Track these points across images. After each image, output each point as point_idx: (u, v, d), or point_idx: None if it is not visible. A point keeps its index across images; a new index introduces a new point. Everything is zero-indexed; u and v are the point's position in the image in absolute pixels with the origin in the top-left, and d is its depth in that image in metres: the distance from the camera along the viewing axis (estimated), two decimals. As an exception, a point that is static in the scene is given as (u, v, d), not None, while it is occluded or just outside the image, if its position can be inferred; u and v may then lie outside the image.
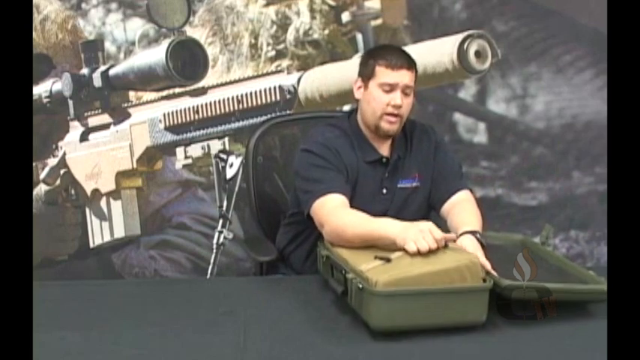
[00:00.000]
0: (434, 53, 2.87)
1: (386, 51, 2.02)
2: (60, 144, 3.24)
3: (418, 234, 1.67)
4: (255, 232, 2.35)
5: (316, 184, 1.95)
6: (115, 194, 3.18)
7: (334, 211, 1.89)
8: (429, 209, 2.11)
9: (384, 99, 1.96)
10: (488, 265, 1.69)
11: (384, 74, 1.96)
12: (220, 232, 3.06)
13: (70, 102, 3.16)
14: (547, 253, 1.85)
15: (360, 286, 1.54)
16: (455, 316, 1.55)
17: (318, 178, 1.96)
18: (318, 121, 2.27)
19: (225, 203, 3.05)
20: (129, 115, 3.17)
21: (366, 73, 2.00)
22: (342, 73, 2.98)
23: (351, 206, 1.92)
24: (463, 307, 1.55)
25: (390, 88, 1.96)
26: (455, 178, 2.10)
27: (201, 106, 3.05)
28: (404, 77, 1.96)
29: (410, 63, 1.99)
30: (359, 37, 3.15)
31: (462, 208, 2.01)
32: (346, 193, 1.94)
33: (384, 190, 2.04)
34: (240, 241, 3.03)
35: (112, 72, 3.11)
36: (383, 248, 1.71)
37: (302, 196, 2.00)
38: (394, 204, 2.04)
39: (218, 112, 3.03)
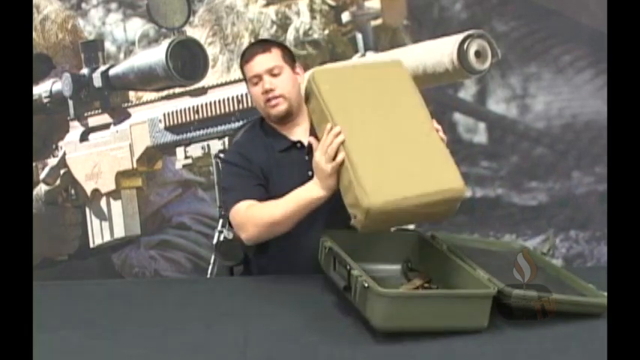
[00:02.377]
0: (434, 53, 2.88)
1: (245, 49, 2.12)
2: (60, 144, 3.25)
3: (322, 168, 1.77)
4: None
5: (229, 192, 2.02)
6: (115, 194, 3.19)
7: (250, 211, 1.93)
8: None
9: (258, 91, 2.03)
10: None
11: (247, 70, 2.05)
12: (220, 232, 3.06)
13: (70, 102, 3.16)
14: (547, 264, 1.85)
15: (366, 284, 1.54)
16: (458, 321, 1.54)
17: (231, 187, 2.03)
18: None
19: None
20: (129, 115, 3.17)
21: (245, 79, 2.09)
22: (342, 73, 2.98)
23: (280, 195, 1.93)
24: (467, 313, 1.54)
25: (257, 78, 2.02)
26: None
27: (201, 106, 3.05)
28: (261, 63, 2.02)
29: (264, 46, 2.05)
30: (359, 37, 3.15)
31: None
32: (258, 197, 1.96)
33: (310, 173, 1.95)
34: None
35: (112, 72, 3.11)
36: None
37: (224, 199, 2.10)
38: None
39: (218, 112, 3.03)
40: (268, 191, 2.01)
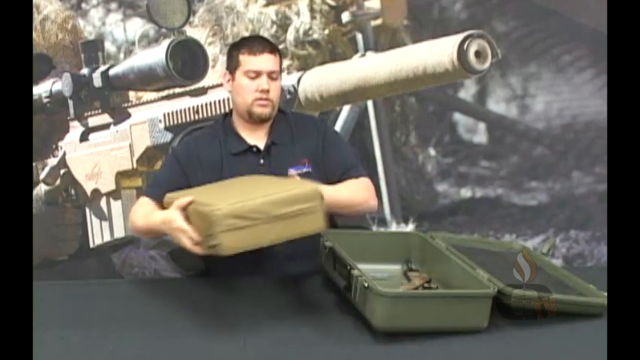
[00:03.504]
0: (434, 53, 2.87)
1: (248, 40, 2.10)
2: (60, 144, 3.24)
3: (172, 231, 1.74)
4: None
5: (150, 182, 2.13)
6: (115, 194, 3.18)
7: (138, 208, 2.01)
8: None
9: (251, 86, 2.01)
10: None
11: (248, 61, 2.01)
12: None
13: (70, 102, 3.16)
14: (547, 264, 1.85)
15: (366, 284, 1.54)
16: (458, 321, 1.54)
17: (156, 178, 2.13)
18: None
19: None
20: (129, 115, 3.17)
21: (232, 65, 2.05)
22: (342, 73, 2.98)
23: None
24: (466, 313, 1.55)
25: (256, 74, 2.01)
26: (344, 170, 2.06)
27: (201, 106, 3.05)
28: (267, 62, 2.01)
29: (272, 48, 2.04)
30: (359, 37, 3.15)
31: (345, 183, 2.04)
32: (161, 196, 1.93)
33: None
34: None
35: (112, 72, 3.11)
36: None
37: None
38: None
39: (218, 112, 3.03)
40: None
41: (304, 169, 2.05)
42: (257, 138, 2.08)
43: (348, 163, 2.09)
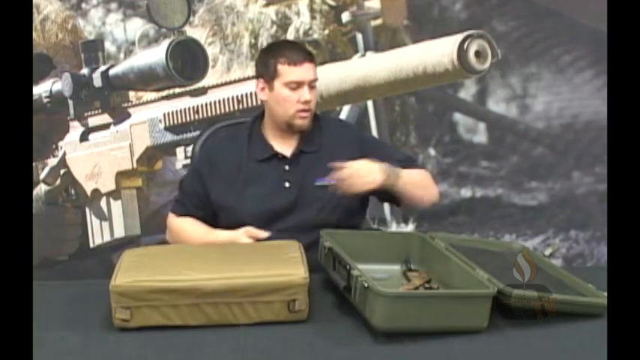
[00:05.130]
0: (434, 53, 2.87)
1: (284, 47, 2.02)
2: (60, 144, 3.24)
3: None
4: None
5: (178, 192, 2.14)
6: (115, 194, 3.18)
7: (176, 226, 2.09)
8: (364, 203, 2.09)
9: (293, 97, 1.96)
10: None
11: (289, 72, 1.95)
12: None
13: (70, 102, 3.16)
14: (547, 264, 1.85)
15: (366, 285, 1.54)
16: (458, 321, 1.54)
17: (181, 187, 2.15)
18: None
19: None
20: (129, 115, 3.17)
21: (268, 74, 1.98)
22: (342, 73, 2.98)
23: (251, 202, 1.99)
24: (466, 313, 1.54)
25: (297, 85, 1.95)
26: (401, 165, 2.00)
27: (201, 106, 3.05)
28: (308, 72, 1.96)
29: (310, 55, 2.00)
30: (359, 37, 3.15)
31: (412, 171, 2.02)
32: (184, 211, 2.09)
33: (287, 184, 2.01)
34: None
35: (112, 72, 3.11)
36: None
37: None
38: (304, 199, 2.00)
39: (218, 112, 3.03)
40: (225, 199, 2.02)
41: (332, 182, 1.98)
42: (286, 145, 2.04)
43: (403, 158, 2.08)
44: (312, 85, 1.97)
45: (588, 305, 1.64)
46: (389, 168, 1.91)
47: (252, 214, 1.98)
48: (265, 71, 1.99)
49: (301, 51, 2.00)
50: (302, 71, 1.95)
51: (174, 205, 2.12)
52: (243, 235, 1.90)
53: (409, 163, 2.06)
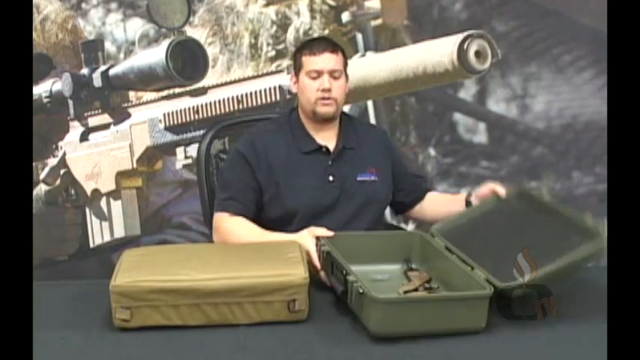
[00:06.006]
0: (434, 53, 2.88)
1: (310, 42, 2.12)
2: (60, 144, 3.24)
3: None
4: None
5: (222, 191, 2.07)
6: (115, 194, 3.19)
7: (228, 227, 2.01)
8: (384, 208, 2.20)
9: (313, 85, 2.03)
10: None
11: (309, 62, 2.03)
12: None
13: (70, 102, 3.16)
14: (543, 203, 1.85)
15: (361, 290, 1.54)
16: (455, 323, 1.54)
17: (227, 184, 2.07)
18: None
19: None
20: (129, 115, 3.17)
21: (296, 66, 2.09)
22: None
23: (295, 196, 2.02)
24: (463, 314, 1.54)
25: (317, 74, 2.02)
26: (419, 180, 2.25)
27: (201, 106, 3.05)
28: (328, 61, 2.02)
29: (334, 47, 2.06)
30: (359, 37, 3.15)
31: (437, 195, 2.25)
32: (244, 210, 2.03)
33: (330, 178, 2.06)
34: None
35: (112, 72, 3.11)
36: None
37: (217, 192, 2.13)
38: (346, 194, 2.07)
39: (218, 112, 3.03)
40: (276, 191, 2.04)
41: (372, 177, 2.10)
42: (326, 138, 2.09)
43: (420, 179, 2.27)
44: (333, 75, 2.03)
45: (588, 257, 1.63)
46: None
47: (301, 206, 2.03)
48: (295, 65, 2.09)
49: (324, 42, 2.07)
50: (320, 60, 2.02)
51: (225, 205, 2.04)
52: (309, 236, 1.86)
53: (424, 184, 2.27)
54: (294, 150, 2.07)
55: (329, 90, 2.02)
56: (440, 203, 2.19)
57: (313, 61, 2.02)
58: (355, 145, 2.11)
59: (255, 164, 2.05)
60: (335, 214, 2.04)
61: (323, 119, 2.06)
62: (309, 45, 2.07)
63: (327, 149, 2.08)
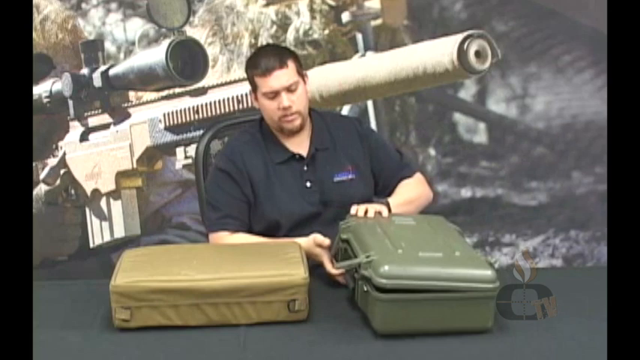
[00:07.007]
0: (434, 53, 2.87)
1: (257, 57, 2.01)
2: (60, 144, 3.24)
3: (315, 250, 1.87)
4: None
5: (214, 211, 2.04)
6: (115, 194, 3.18)
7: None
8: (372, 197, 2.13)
9: (273, 105, 1.98)
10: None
11: (262, 84, 1.97)
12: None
13: (70, 102, 3.16)
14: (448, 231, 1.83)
15: (365, 288, 1.54)
16: (461, 322, 1.54)
17: (216, 203, 2.04)
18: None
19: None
20: (129, 115, 3.17)
21: (252, 86, 2.02)
22: (342, 73, 2.98)
23: (275, 207, 2.00)
24: (469, 313, 1.54)
25: (274, 94, 1.97)
26: (395, 167, 2.13)
27: (201, 106, 3.05)
28: (281, 78, 1.95)
29: (281, 59, 1.96)
30: (359, 37, 3.15)
31: (400, 186, 2.10)
32: (240, 219, 2.02)
33: (308, 184, 2.04)
34: None
35: (112, 72, 3.11)
36: None
37: (205, 213, 2.12)
38: (327, 196, 2.04)
39: (218, 112, 3.03)
40: (257, 204, 2.02)
41: (349, 176, 2.06)
42: (298, 144, 2.05)
43: (400, 165, 2.14)
44: (290, 89, 1.97)
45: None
46: (382, 206, 1.93)
47: (281, 217, 2.01)
48: (250, 83, 2.03)
49: (273, 58, 1.97)
50: (272, 80, 1.95)
51: (222, 224, 2.02)
52: (313, 244, 1.86)
53: (405, 171, 2.13)
54: (268, 161, 2.04)
55: (289, 107, 1.97)
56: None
57: (265, 83, 1.96)
58: (329, 144, 2.07)
59: (239, 179, 2.03)
60: (320, 218, 2.02)
61: (291, 133, 2.03)
62: (256, 64, 1.98)
63: (301, 156, 2.05)
